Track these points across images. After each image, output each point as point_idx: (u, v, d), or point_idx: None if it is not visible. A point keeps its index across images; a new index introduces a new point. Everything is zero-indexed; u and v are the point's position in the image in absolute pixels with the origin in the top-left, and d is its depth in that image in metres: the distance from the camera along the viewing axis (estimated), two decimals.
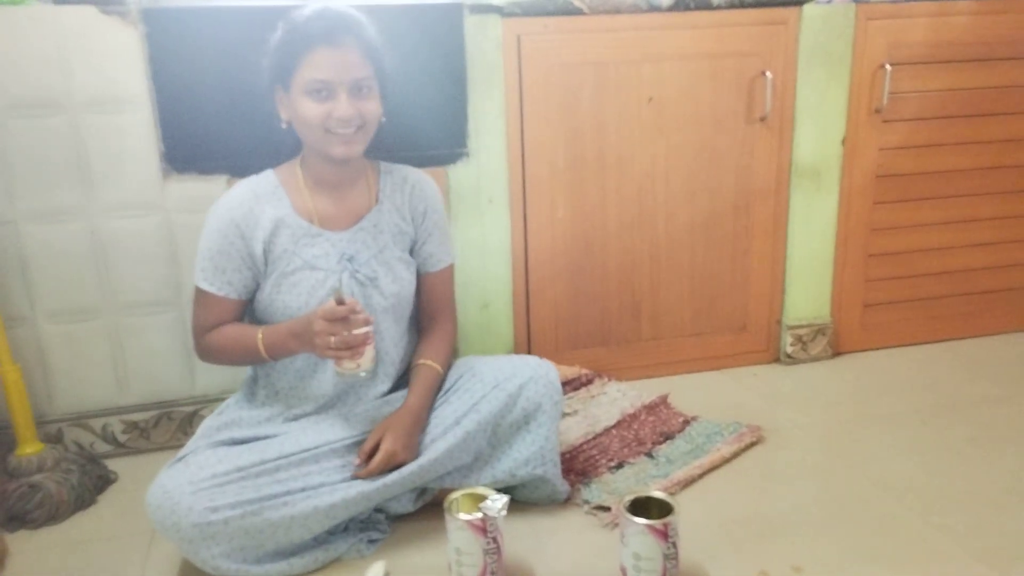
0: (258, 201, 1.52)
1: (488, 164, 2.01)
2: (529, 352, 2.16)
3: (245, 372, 1.67)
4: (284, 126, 1.52)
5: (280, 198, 1.54)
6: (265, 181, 1.56)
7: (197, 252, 1.53)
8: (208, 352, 1.56)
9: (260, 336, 1.49)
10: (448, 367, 1.68)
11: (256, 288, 1.56)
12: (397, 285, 1.59)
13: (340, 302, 1.39)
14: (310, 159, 1.56)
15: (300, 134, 1.51)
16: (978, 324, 2.45)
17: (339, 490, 1.45)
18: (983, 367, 2.26)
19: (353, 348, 1.39)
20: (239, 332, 1.53)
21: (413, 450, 1.51)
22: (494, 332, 2.13)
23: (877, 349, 2.39)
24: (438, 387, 1.62)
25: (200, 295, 1.53)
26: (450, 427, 1.55)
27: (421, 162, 1.91)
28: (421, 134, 1.93)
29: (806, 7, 2.07)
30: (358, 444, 1.52)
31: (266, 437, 1.51)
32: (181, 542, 1.37)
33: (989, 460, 1.78)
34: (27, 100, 1.72)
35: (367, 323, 1.41)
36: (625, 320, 2.22)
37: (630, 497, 1.37)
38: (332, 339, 1.38)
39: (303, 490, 1.43)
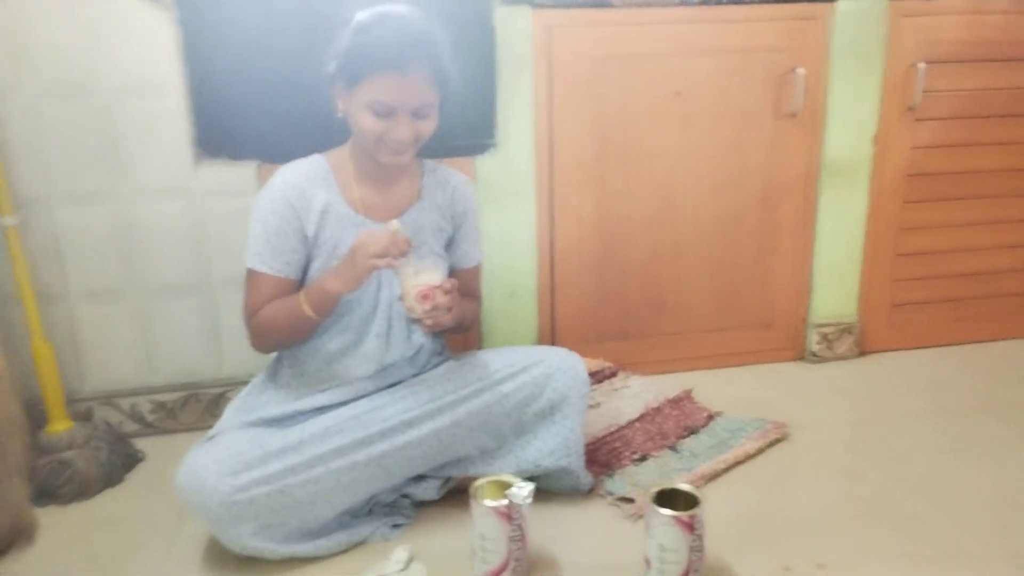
0: (310, 184, 1.52)
1: (515, 155, 2.01)
2: (553, 343, 2.17)
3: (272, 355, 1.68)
4: (340, 115, 1.49)
5: (330, 184, 1.54)
6: (316, 165, 1.55)
7: (249, 236, 1.51)
8: (259, 331, 1.53)
9: (302, 295, 1.48)
10: (472, 318, 1.69)
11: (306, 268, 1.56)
12: (440, 269, 1.57)
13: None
14: (358, 151, 1.56)
15: (353, 131, 1.51)
16: (1008, 327, 2.42)
17: (360, 451, 1.48)
18: (1013, 370, 2.23)
19: (390, 256, 1.40)
20: (282, 300, 1.51)
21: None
22: (519, 322, 2.13)
23: (904, 349, 2.37)
24: (466, 311, 1.62)
25: (255, 278, 1.52)
26: (472, 392, 1.57)
27: (449, 152, 1.93)
28: (450, 124, 1.90)
29: (839, 3, 2.06)
30: (385, 424, 1.51)
31: (294, 414, 1.53)
32: (210, 521, 1.39)
33: (1018, 461, 1.77)
34: (61, 84, 1.74)
35: (408, 243, 1.42)
36: (649, 314, 2.21)
37: (656, 488, 1.38)
38: (371, 248, 1.39)
39: (325, 455, 1.45)
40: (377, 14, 1.43)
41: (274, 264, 1.51)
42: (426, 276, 1.45)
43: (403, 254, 1.41)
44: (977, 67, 2.17)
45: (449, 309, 1.47)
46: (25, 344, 1.77)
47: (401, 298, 1.48)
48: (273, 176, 1.54)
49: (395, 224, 1.44)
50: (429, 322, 1.46)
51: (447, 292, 1.45)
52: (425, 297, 1.44)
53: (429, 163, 1.66)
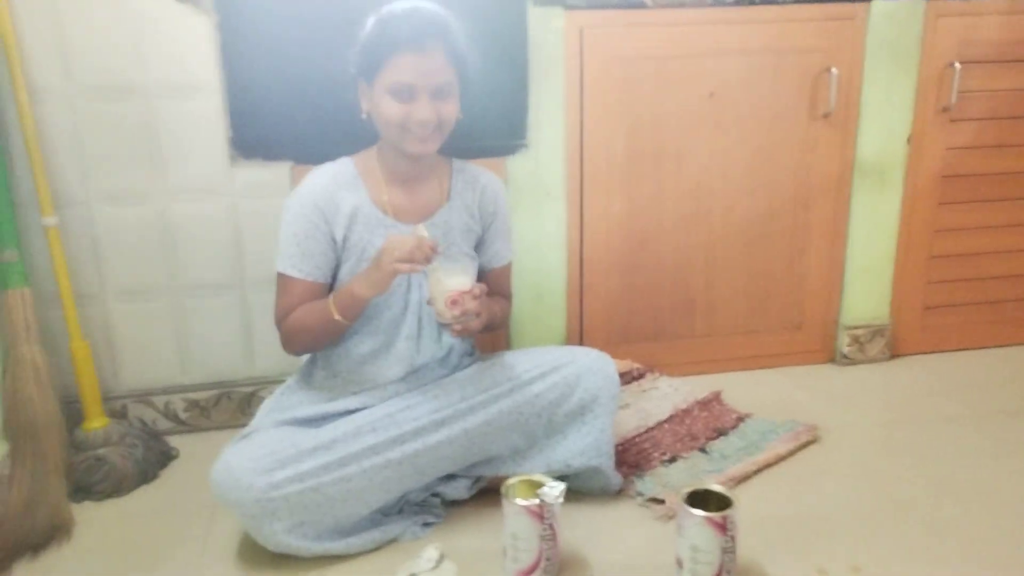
0: (339, 187, 1.54)
1: (546, 156, 2.01)
2: (581, 344, 2.16)
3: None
4: (363, 116, 1.53)
5: (358, 187, 1.56)
6: (344, 169, 1.57)
7: (280, 240, 1.54)
8: (290, 335, 1.56)
9: (331, 299, 1.50)
10: (503, 317, 1.71)
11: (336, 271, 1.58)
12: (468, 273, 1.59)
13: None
14: (386, 151, 1.57)
15: (378, 127, 1.53)
16: None
17: (393, 449, 1.48)
18: None
19: (414, 261, 1.40)
20: (312, 304, 1.53)
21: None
22: (547, 324, 2.13)
23: (937, 352, 2.34)
24: (492, 317, 1.61)
25: (286, 282, 1.54)
26: (503, 391, 1.57)
27: (481, 153, 1.93)
28: (482, 125, 1.94)
29: (874, 3, 2.04)
30: (417, 423, 1.52)
31: (327, 415, 1.54)
32: (244, 518, 1.41)
33: None
34: (102, 85, 1.77)
35: (433, 249, 1.41)
36: (678, 316, 2.21)
37: (688, 489, 1.37)
38: (396, 252, 1.39)
39: (358, 454, 1.46)
40: (391, 8, 1.47)
41: (304, 268, 1.53)
42: (455, 281, 1.44)
43: (428, 260, 1.41)
44: (1014, 67, 2.14)
45: (478, 314, 1.47)
46: (63, 342, 1.80)
47: (429, 302, 1.49)
48: (302, 181, 1.56)
49: (421, 229, 1.44)
50: (458, 327, 1.47)
51: (476, 297, 1.45)
52: (454, 303, 1.44)
53: (458, 163, 1.66)
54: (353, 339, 1.57)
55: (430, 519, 1.57)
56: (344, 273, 1.56)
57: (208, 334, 1.95)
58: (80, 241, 1.83)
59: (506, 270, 1.74)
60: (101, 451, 1.74)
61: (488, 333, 1.73)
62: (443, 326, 1.52)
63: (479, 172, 1.67)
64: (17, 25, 1.69)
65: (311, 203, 1.52)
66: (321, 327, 1.51)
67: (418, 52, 1.43)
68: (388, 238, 1.45)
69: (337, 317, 1.48)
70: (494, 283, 1.72)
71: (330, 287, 1.57)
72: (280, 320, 1.56)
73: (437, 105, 1.47)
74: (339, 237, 1.53)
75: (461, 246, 1.62)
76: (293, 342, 1.57)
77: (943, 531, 1.52)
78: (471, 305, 1.45)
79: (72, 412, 1.81)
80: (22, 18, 1.70)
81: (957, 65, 2.08)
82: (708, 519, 1.30)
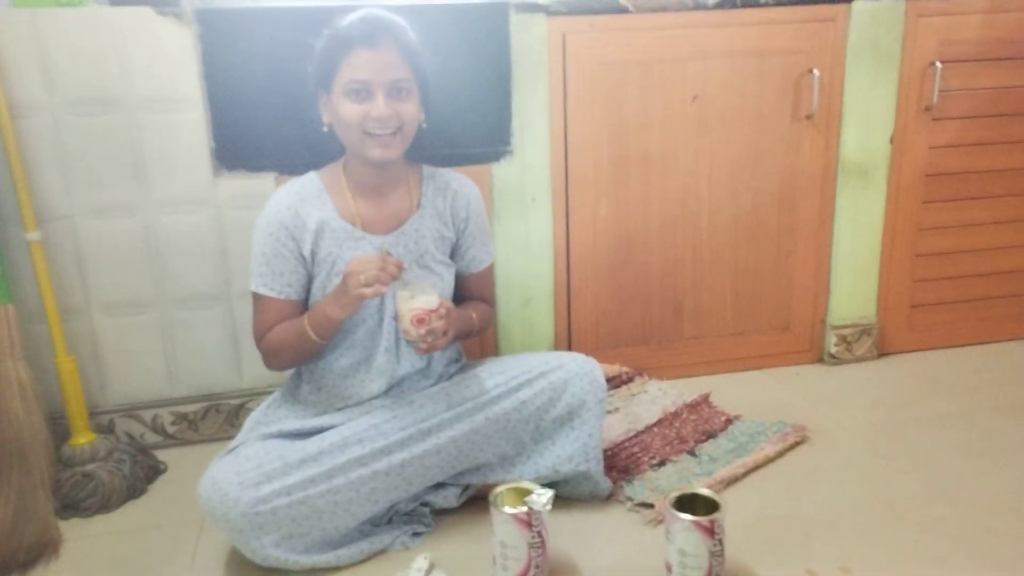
0: (303, 203, 1.54)
1: (531, 162, 2.02)
2: (570, 349, 2.16)
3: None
4: (325, 129, 1.54)
5: (324, 201, 1.56)
6: (309, 184, 1.58)
7: (251, 260, 1.55)
8: (269, 353, 1.57)
9: (306, 319, 1.51)
10: (482, 323, 1.69)
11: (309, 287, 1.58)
12: (437, 289, 1.59)
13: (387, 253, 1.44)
14: (351, 162, 1.58)
15: (340, 137, 1.53)
16: None
17: (380, 460, 1.48)
18: None
19: (379, 284, 1.40)
20: (289, 323, 1.54)
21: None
22: (535, 329, 2.13)
23: (924, 350, 2.35)
24: (466, 327, 1.63)
25: (260, 301, 1.55)
26: (490, 399, 1.57)
27: (465, 160, 1.93)
28: (466, 132, 1.95)
29: (855, 4, 2.05)
30: (404, 433, 1.52)
31: (312, 430, 1.53)
32: (231, 532, 1.40)
33: None
34: (85, 98, 1.76)
35: (399, 267, 1.42)
36: (666, 319, 2.21)
37: (676, 493, 1.37)
38: (362, 277, 1.39)
39: (345, 465, 1.46)
40: (344, 17, 1.49)
41: (275, 287, 1.53)
42: (421, 300, 1.44)
43: (395, 277, 1.41)
44: (994, 66, 2.15)
45: (445, 332, 1.48)
46: (48, 358, 1.79)
47: (396, 319, 1.49)
48: (269, 198, 1.57)
49: (385, 247, 1.44)
50: (423, 346, 1.47)
51: (442, 316, 1.46)
52: (420, 321, 1.44)
53: (428, 169, 1.66)
54: (333, 353, 1.58)
55: (419, 528, 1.56)
56: (316, 288, 1.56)
57: (195, 346, 1.94)
58: (65, 255, 1.82)
59: (486, 274, 1.74)
60: (88, 467, 1.73)
61: (467, 339, 1.73)
62: (409, 343, 1.51)
63: (450, 177, 1.66)
64: None
65: (276, 222, 1.53)
66: (299, 346, 1.53)
67: (371, 47, 1.44)
68: (352, 260, 1.44)
69: (313, 336, 1.49)
70: (475, 288, 1.72)
71: (305, 301, 1.58)
72: (259, 339, 1.58)
73: (395, 105, 1.47)
74: (307, 252, 1.54)
75: (435, 254, 1.62)
76: (273, 360, 1.59)
77: (933, 531, 1.53)
78: (437, 324, 1.45)
79: (59, 428, 1.80)
80: (3, 33, 1.69)
81: (938, 64, 2.10)
82: (695, 523, 1.30)
